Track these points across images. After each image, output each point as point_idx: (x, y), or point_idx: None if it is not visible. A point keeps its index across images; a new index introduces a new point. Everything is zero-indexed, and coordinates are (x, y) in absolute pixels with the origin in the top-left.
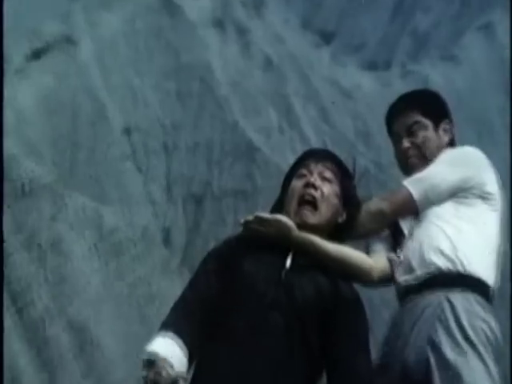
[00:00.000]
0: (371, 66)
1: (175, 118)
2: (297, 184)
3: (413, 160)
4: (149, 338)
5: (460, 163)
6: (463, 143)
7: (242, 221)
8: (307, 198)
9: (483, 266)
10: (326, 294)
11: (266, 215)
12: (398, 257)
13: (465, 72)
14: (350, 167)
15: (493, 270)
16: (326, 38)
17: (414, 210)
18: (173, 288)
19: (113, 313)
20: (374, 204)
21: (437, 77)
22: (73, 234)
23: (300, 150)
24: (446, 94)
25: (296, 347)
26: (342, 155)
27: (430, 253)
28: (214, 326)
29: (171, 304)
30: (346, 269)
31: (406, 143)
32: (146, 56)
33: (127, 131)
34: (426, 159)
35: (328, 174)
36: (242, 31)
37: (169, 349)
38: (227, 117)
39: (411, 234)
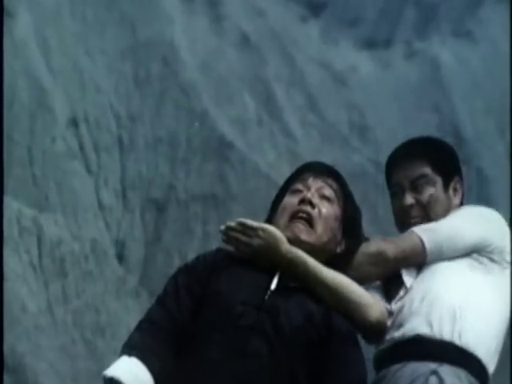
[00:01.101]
0: (369, 45)
1: (132, 108)
2: (290, 200)
3: (416, 221)
4: (99, 376)
5: (481, 220)
6: (481, 137)
7: (222, 227)
8: (301, 215)
9: (485, 348)
10: (317, 324)
11: (251, 222)
12: (391, 310)
13: (482, 51)
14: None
15: (494, 358)
16: (315, 10)
17: (421, 262)
18: (127, 314)
19: (54, 346)
20: (376, 244)
21: (448, 57)
22: (6, 249)
23: (283, 145)
24: (459, 78)
25: (282, 382)
26: (334, 151)
27: (429, 313)
28: (185, 349)
29: (125, 335)
30: (340, 301)
31: (409, 199)
32: (97, 31)
33: (74, 123)
34: (430, 222)
35: (328, 192)
36: (212, 2)
37: (132, 376)
38: (195, 106)
39: (411, 287)
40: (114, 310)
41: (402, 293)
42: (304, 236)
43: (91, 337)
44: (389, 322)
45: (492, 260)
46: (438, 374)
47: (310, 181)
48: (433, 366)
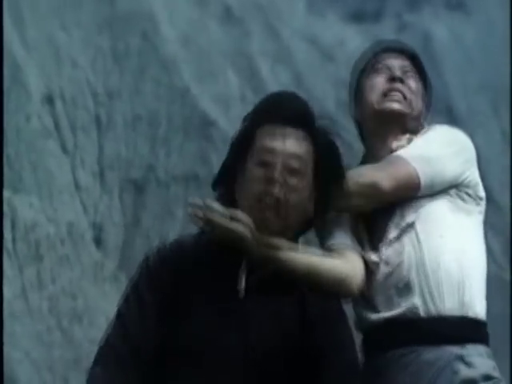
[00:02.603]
0: (357, 17)
1: (110, 84)
2: (256, 173)
3: (396, 96)
4: (76, 365)
5: (459, 150)
6: (474, 114)
7: (189, 207)
8: (268, 201)
9: (483, 302)
10: (293, 334)
11: (217, 219)
12: (377, 260)
13: (476, 25)
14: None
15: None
16: None
17: (413, 196)
18: (105, 300)
19: (30, 334)
20: (367, 173)
21: (441, 31)
22: None
23: None
24: (452, 52)
25: None
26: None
27: (436, 280)
28: (152, 379)
29: (104, 323)
30: (317, 285)
31: (399, 73)
32: (73, 3)
33: (49, 100)
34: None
35: (296, 164)
36: None
37: None
38: (175, 82)
39: (399, 236)
40: (92, 296)
41: (390, 236)
42: (274, 223)
43: (67, 324)
44: (379, 275)
45: (469, 195)
46: (464, 358)
47: (278, 145)
48: (454, 349)
